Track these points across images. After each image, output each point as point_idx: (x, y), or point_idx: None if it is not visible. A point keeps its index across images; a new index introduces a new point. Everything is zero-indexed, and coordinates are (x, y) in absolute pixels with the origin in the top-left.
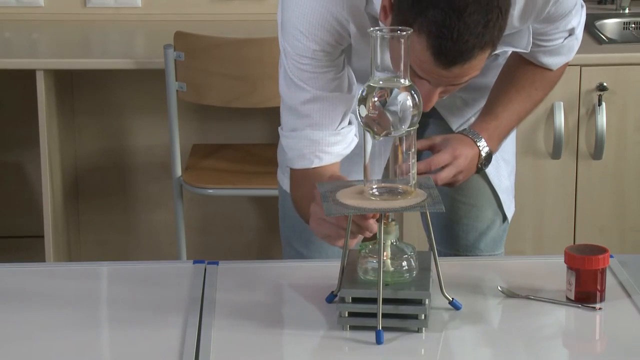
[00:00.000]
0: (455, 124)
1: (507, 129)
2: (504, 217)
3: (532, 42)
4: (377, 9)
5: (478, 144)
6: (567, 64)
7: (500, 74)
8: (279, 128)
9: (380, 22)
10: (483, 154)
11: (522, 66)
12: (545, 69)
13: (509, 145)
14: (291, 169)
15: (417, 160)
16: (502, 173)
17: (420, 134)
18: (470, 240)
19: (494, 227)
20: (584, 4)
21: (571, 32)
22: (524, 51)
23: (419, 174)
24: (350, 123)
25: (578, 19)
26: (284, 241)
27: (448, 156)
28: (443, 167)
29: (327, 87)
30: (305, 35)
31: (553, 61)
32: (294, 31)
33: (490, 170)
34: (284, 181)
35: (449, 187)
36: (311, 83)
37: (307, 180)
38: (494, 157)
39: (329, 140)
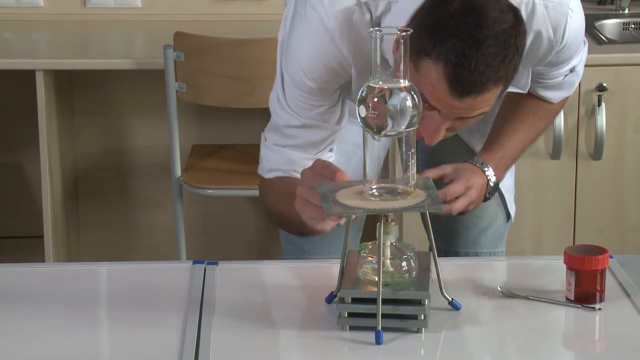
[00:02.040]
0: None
1: (513, 159)
2: (507, 215)
3: (533, 80)
4: (387, 47)
5: (486, 173)
6: (567, 99)
7: (504, 105)
8: (262, 134)
9: (391, 54)
10: (491, 183)
11: (525, 98)
12: (547, 101)
13: None
14: (261, 177)
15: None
16: None
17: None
18: (470, 237)
19: (494, 225)
20: (586, 40)
21: (572, 70)
22: (522, 91)
23: None
24: (331, 150)
25: (580, 58)
26: (284, 237)
27: (462, 187)
28: (456, 198)
29: (316, 118)
30: (305, 74)
31: (553, 95)
32: (296, 66)
33: None
34: None
35: (459, 215)
36: (302, 113)
37: (279, 182)
38: None
39: (305, 164)
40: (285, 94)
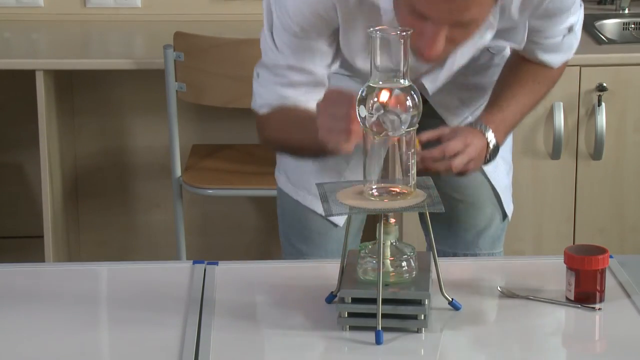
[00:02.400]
0: (453, 123)
1: (513, 123)
2: (504, 215)
3: (532, 40)
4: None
5: (486, 135)
6: (567, 63)
7: (503, 71)
8: (254, 70)
9: None
10: (491, 145)
11: (524, 63)
12: (547, 66)
13: (507, 143)
14: (256, 113)
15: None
16: (501, 170)
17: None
18: (469, 239)
19: (492, 226)
20: (582, 2)
21: (570, 29)
22: (518, 47)
23: (433, 160)
24: (327, 80)
25: (577, 17)
26: (283, 238)
27: (460, 144)
28: (455, 155)
29: (303, 60)
30: (291, 17)
31: (553, 59)
32: (283, 9)
33: (488, 168)
34: (281, 180)
35: (460, 175)
36: (288, 54)
37: (278, 114)
38: None
39: (298, 99)
40: (273, 35)
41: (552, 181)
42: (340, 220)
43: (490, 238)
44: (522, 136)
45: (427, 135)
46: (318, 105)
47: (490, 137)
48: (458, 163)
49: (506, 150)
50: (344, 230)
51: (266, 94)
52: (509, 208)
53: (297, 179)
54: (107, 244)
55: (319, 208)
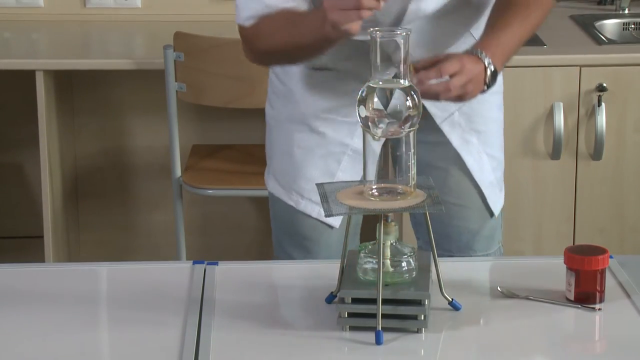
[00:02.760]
0: (439, 119)
1: (509, 50)
2: (491, 213)
3: None
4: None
5: (484, 60)
6: None
7: (495, 3)
8: None
9: None
10: (488, 71)
11: None
12: None
13: (495, 140)
14: (242, 27)
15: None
16: (486, 167)
17: None
18: (463, 241)
19: (485, 227)
20: None
21: None
22: None
23: (429, 80)
24: None
25: None
26: (275, 242)
27: (457, 64)
28: (452, 76)
29: None
30: None
31: None
32: None
33: (472, 165)
34: (270, 183)
35: (460, 100)
36: None
37: (267, 22)
38: (476, 151)
39: (283, 6)
40: None
41: (552, 181)
42: (337, 221)
43: (484, 239)
44: (522, 136)
45: (423, 62)
46: None
47: (488, 61)
48: (456, 84)
49: (494, 146)
50: (338, 235)
51: (252, 5)
52: (495, 205)
53: (288, 182)
54: (107, 244)
55: (313, 212)
